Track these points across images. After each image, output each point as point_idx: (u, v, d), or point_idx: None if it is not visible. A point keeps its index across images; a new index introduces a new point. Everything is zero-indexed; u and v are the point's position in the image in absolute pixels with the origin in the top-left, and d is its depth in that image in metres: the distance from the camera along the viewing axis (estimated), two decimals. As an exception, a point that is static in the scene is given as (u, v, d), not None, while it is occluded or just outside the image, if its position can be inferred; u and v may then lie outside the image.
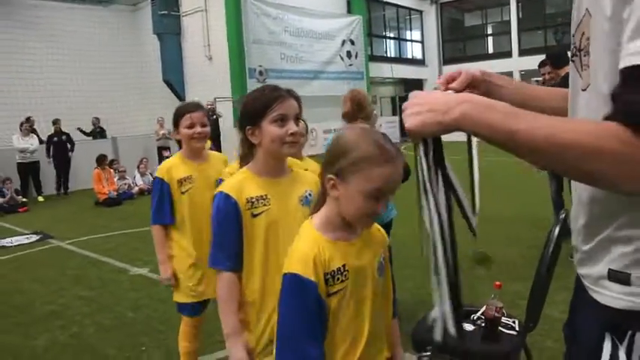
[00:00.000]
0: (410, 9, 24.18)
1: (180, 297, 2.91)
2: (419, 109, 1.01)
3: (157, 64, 17.52)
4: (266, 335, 1.82)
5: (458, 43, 25.10)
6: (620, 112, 0.80)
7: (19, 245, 7.44)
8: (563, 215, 2.32)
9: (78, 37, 15.88)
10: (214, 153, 3.09)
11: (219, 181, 2.84)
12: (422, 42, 25.13)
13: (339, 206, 1.36)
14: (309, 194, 1.87)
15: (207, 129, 2.88)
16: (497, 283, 2.51)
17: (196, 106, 2.91)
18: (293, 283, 1.33)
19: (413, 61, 24.74)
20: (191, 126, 2.82)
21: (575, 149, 0.82)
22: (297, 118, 1.83)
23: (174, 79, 17.34)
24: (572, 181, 1.08)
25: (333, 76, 19.13)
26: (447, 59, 24.43)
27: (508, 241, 5.78)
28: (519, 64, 21.27)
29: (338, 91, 19.98)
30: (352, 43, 20.24)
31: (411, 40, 25.20)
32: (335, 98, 20.43)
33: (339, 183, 1.33)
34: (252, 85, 16.36)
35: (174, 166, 2.87)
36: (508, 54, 22.62)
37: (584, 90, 0.98)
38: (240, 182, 1.81)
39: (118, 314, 4.44)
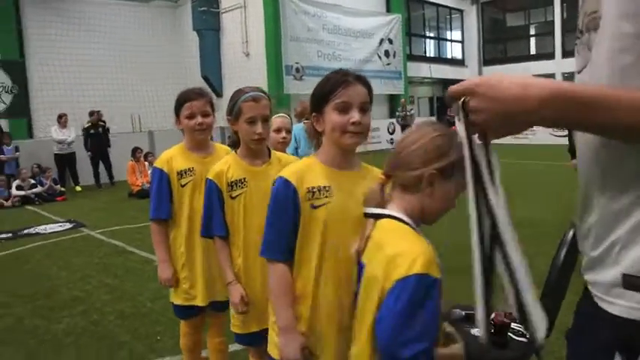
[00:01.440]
0: (450, 8, 23.82)
1: (174, 297, 2.75)
2: (494, 119, 0.90)
3: (195, 60, 17.78)
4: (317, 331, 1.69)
5: (499, 44, 24.59)
6: None
7: (52, 232, 7.66)
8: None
9: (120, 33, 16.22)
10: (221, 145, 2.86)
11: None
12: (462, 42, 24.73)
13: (426, 202, 1.40)
14: None
15: (210, 119, 2.66)
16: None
17: (198, 94, 2.66)
18: (424, 285, 1.26)
19: (452, 62, 24.38)
20: (191, 116, 2.61)
21: None
22: (364, 109, 1.64)
23: (212, 74, 17.55)
24: (579, 175, 1.00)
25: (370, 75, 18.77)
26: (487, 60, 23.98)
27: (537, 248, 5.59)
28: (562, 66, 20.69)
29: (376, 90, 19.65)
30: (390, 42, 20.08)
31: (451, 40, 24.83)
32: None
33: (439, 181, 1.37)
34: (289, 81, 16.43)
35: (175, 157, 2.68)
36: (551, 55, 22.03)
37: (579, 72, 0.94)
38: (302, 169, 1.71)
39: (138, 303, 4.50)
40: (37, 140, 13.64)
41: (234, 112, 2.27)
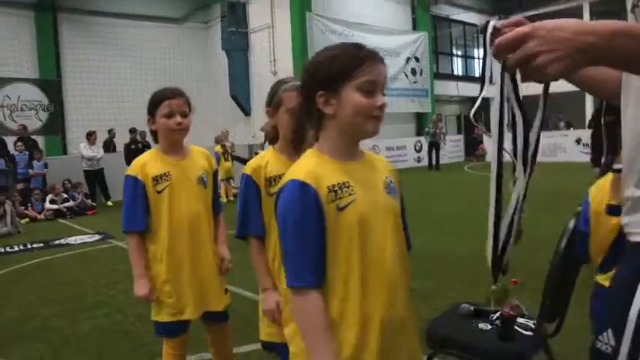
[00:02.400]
0: (477, 26, 23.80)
1: (158, 315, 2.51)
2: (559, 54, 0.91)
3: (224, 79, 18.16)
4: None
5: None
6: None
7: (81, 243, 7.89)
8: (581, 208, 2.23)
9: (152, 53, 16.72)
10: (195, 147, 2.67)
11: (203, 180, 2.55)
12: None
13: None
14: (391, 181, 1.52)
15: (189, 120, 2.47)
16: (514, 280, 2.43)
17: (177, 93, 2.46)
18: None
19: (480, 80, 24.25)
20: (170, 115, 2.41)
21: None
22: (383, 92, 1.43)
23: (240, 93, 17.88)
24: (624, 153, 1.09)
25: (397, 93, 19.10)
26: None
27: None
28: (593, 82, 20.40)
29: (402, 108, 20.00)
30: (417, 60, 20.18)
31: (478, 58, 24.77)
32: (399, 115, 20.46)
33: None
34: (315, 100, 16.59)
35: (149, 162, 2.47)
36: (580, 72, 21.76)
37: None
38: (312, 166, 1.39)
39: (159, 306, 4.61)
40: (69, 157, 14.10)
41: (273, 102, 2.09)
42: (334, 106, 1.37)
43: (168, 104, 2.41)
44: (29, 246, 7.83)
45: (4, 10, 14.16)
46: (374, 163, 1.52)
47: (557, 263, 2.14)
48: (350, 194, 1.37)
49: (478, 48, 24.69)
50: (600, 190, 2.17)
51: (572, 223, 2.18)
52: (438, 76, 21.54)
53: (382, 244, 1.39)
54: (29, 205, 10.72)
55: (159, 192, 2.44)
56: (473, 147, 21.28)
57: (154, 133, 2.54)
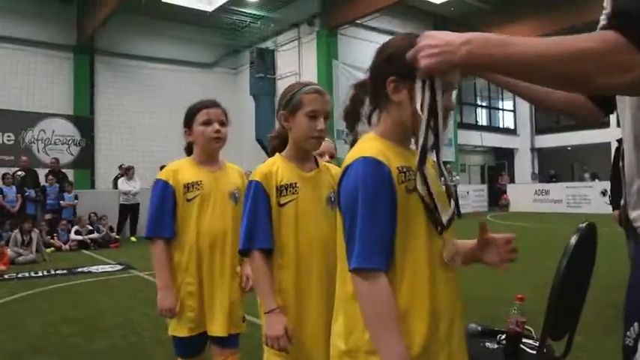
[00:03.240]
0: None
1: (177, 329, 2.36)
2: (433, 51, 1.12)
3: (251, 123, 18.57)
4: None
5: (552, 113, 24.33)
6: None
7: (103, 272, 8.04)
8: (584, 224, 2.26)
9: (183, 95, 17.20)
10: (231, 164, 2.59)
11: (235, 195, 2.43)
12: (514, 111, 24.79)
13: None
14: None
15: (227, 130, 2.43)
16: (520, 295, 2.45)
17: (214, 103, 2.45)
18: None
19: (504, 130, 24.38)
20: (208, 123, 2.36)
21: (564, 53, 0.94)
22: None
23: (265, 137, 17.90)
24: (627, 165, 1.20)
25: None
26: (539, 129, 23.84)
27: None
28: (617, 135, 20.30)
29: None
30: (440, 110, 20.38)
31: (503, 109, 24.95)
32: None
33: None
34: (340, 144, 16.77)
35: (182, 169, 2.41)
36: (606, 124, 21.70)
37: None
38: (379, 146, 1.33)
39: (175, 329, 4.68)
40: (97, 190, 14.48)
41: (291, 105, 1.90)
42: (402, 95, 1.30)
43: (206, 112, 2.37)
44: (53, 272, 8.01)
45: (47, 52, 14.92)
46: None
47: (559, 282, 2.16)
48: (413, 178, 1.29)
49: (502, 100, 24.90)
50: None
51: (573, 240, 2.22)
52: (461, 125, 21.70)
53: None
54: (55, 234, 10.98)
55: (189, 200, 2.34)
56: (497, 197, 21.17)
57: (190, 147, 2.48)
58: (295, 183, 1.91)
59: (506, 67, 1.03)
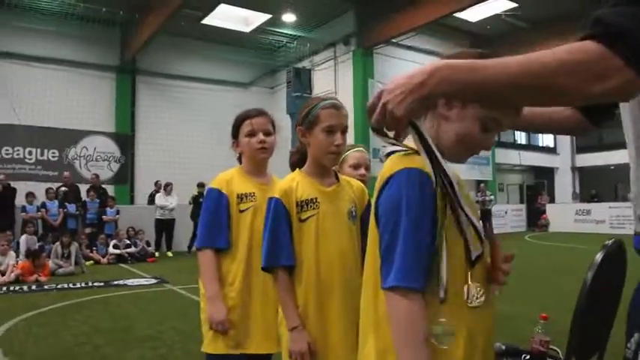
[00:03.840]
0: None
1: (213, 346, 2.23)
2: (401, 97, 1.04)
3: (287, 142, 18.75)
4: None
5: (593, 131, 23.79)
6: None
7: (137, 285, 8.21)
8: (611, 241, 2.21)
9: (220, 114, 17.47)
10: (277, 178, 2.46)
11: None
12: (554, 130, 24.30)
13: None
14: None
15: (273, 139, 2.36)
16: (544, 314, 2.39)
17: (259, 111, 2.39)
18: None
19: (543, 149, 23.91)
20: (252, 133, 2.31)
21: (544, 67, 0.94)
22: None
23: (302, 155, 18.31)
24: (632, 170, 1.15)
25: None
26: (580, 147, 23.30)
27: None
28: (664, 154, 19.65)
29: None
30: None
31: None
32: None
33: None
34: (375, 164, 16.70)
35: (235, 179, 2.35)
36: (651, 144, 21.07)
37: None
38: (420, 160, 1.22)
39: (203, 342, 4.74)
40: (136, 206, 14.84)
41: (307, 120, 1.92)
42: (452, 113, 1.24)
43: (249, 123, 2.31)
44: (90, 284, 8.24)
45: (90, 72, 15.48)
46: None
47: (582, 299, 2.11)
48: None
49: (542, 118, 24.39)
50: None
51: (599, 256, 2.17)
52: (499, 144, 21.37)
53: None
54: (95, 248, 11.29)
55: (241, 211, 2.28)
56: (536, 216, 20.71)
57: (240, 157, 2.44)
58: (316, 198, 1.91)
59: (483, 91, 1.01)
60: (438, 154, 1.14)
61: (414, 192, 1.16)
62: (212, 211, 2.27)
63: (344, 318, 1.85)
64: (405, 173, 1.18)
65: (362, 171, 2.53)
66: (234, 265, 2.25)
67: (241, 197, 2.29)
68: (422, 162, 1.18)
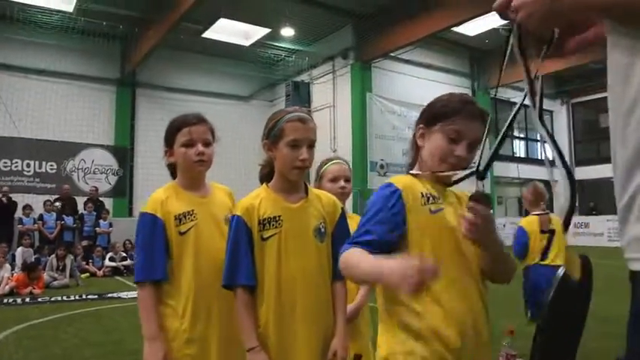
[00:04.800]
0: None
1: None
2: (533, 7, 1.03)
3: (285, 155, 18.81)
4: None
5: (591, 144, 23.92)
6: None
7: (131, 298, 8.17)
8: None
9: (220, 127, 17.33)
10: (216, 183, 2.32)
11: (229, 220, 2.05)
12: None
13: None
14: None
15: (212, 150, 2.14)
16: (511, 329, 2.41)
17: (198, 118, 2.15)
18: None
19: (542, 162, 23.84)
20: (189, 143, 2.07)
21: None
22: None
23: (300, 168, 18.34)
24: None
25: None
26: (579, 160, 23.33)
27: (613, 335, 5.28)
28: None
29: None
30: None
31: (540, 140, 24.49)
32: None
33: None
34: (373, 177, 16.87)
35: (170, 198, 2.08)
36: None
37: None
38: (409, 180, 1.59)
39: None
40: (133, 219, 14.83)
41: (272, 134, 1.88)
42: (425, 140, 1.58)
43: (188, 132, 2.08)
44: (84, 297, 8.28)
45: (90, 85, 15.58)
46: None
47: (543, 317, 2.12)
48: (441, 205, 1.54)
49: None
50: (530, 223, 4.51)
51: (561, 271, 2.17)
52: (498, 157, 21.38)
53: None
54: (91, 260, 11.30)
55: (182, 233, 2.03)
56: (534, 230, 20.65)
57: (172, 168, 2.19)
58: (279, 216, 1.86)
59: (612, 6, 0.95)
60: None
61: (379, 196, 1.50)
62: (147, 239, 2.01)
63: (306, 339, 1.82)
64: (380, 187, 1.52)
65: (341, 183, 2.53)
66: (182, 294, 1.99)
67: (179, 218, 2.04)
68: (404, 182, 1.53)
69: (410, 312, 1.46)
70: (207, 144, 2.11)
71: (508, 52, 1.23)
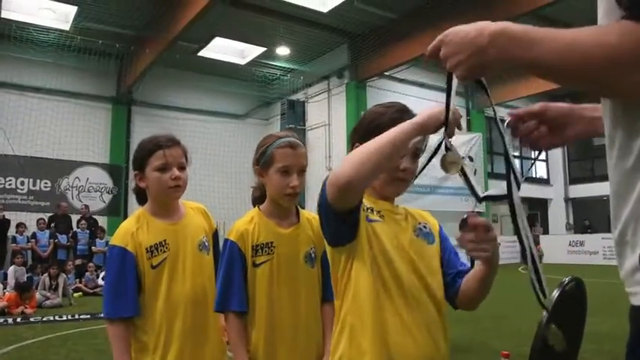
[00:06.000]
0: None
1: None
2: (459, 58, 1.02)
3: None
4: None
5: (586, 162, 24.03)
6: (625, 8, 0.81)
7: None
8: (568, 278, 2.20)
9: (215, 145, 17.64)
10: (189, 202, 2.20)
11: (204, 245, 2.08)
12: (546, 161, 24.47)
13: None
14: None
15: (186, 174, 2.04)
16: (505, 352, 2.40)
17: (173, 141, 2.03)
18: None
19: (536, 180, 24.00)
20: (164, 168, 1.95)
21: (594, 48, 0.82)
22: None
23: (295, 187, 18.36)
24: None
25: (449, 192, 18.92)
26: (573, 179, 23.43)
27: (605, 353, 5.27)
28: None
29: (454, 207, 19.60)
30: (471, 159, 20.15)
31: (534, 159, 24.61)
32: (451, 214, 19.95)
33: None
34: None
35: (140, 229, 1.97)
36: (644, 176, 21.18)
37: None
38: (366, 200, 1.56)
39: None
40: (128, 237, 14.76)
41: (263, 160, 1.85)
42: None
43: (162, 154, 1.96)
44: (77, 316, 8.17)
45: (86, 103, 15.62)
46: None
47: (536, 341, 2.11)
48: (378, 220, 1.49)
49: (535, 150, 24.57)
50: None
51: (555, 293, 2.16)
52: (492, 175, 21.48)
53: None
54: (83, 279, 11.21)
55: (154, 267, 1.94)
56: (529, 249, 20.64)
57: (140, 193, 2.07)
58: (272, 242, 1.86)
59: (531, 67, 0.93)
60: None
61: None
62: (117, 274, 1.93)
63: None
64: None
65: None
66: (154, 330, 1.92)
67: (151, 251, 1.94)
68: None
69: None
70: (182, 168, 2.03)
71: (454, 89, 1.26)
